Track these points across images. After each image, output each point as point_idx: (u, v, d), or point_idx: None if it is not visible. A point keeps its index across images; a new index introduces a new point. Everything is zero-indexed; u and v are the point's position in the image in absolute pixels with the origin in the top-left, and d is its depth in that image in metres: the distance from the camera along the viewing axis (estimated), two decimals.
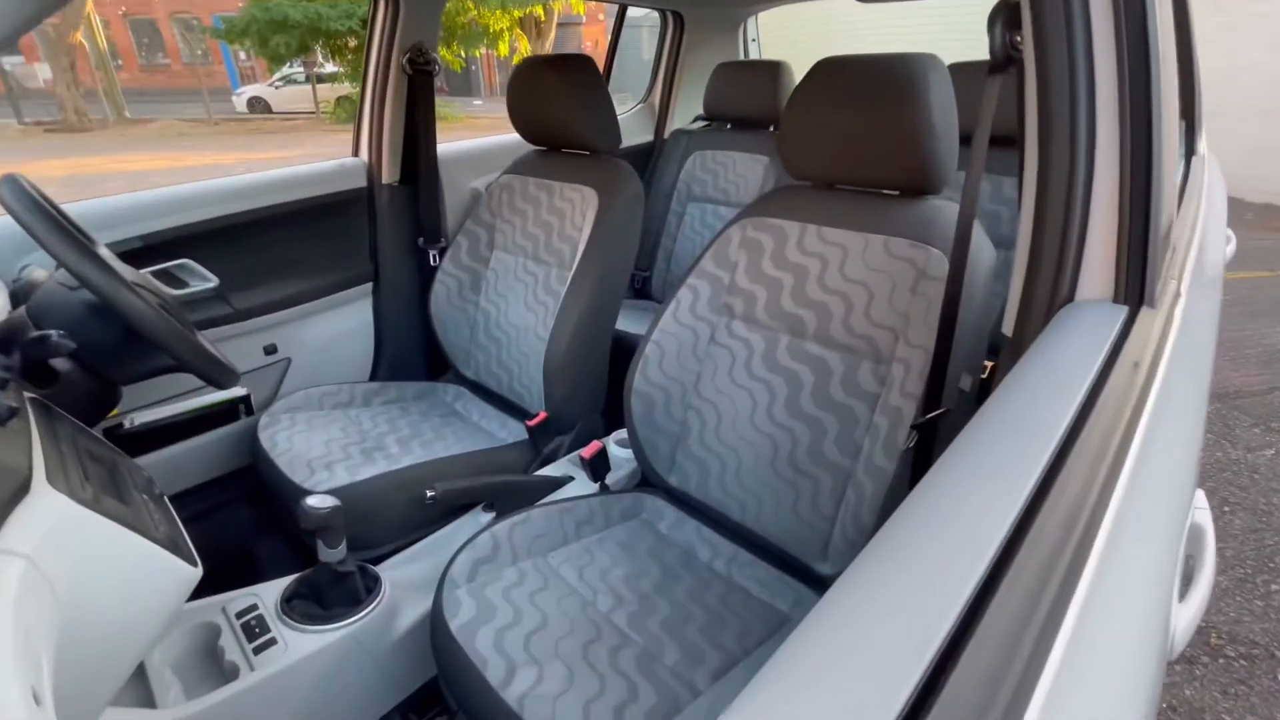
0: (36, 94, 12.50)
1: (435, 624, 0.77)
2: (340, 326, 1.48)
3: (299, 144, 9.69)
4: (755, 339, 1.00)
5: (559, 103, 1.26)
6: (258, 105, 13.48)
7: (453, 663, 0.73)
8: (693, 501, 1.05)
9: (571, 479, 1.16)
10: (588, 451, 1.11)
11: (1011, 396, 0.46)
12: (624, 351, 1.19)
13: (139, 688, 0.74)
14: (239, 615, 0.84)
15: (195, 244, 1.23)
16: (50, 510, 0.50)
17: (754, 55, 2.28)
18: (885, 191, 0.93)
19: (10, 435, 0.52)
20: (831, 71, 0.89)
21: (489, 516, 1.07)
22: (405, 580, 0.96)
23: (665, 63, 2.10)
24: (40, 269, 0.99)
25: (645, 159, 2.08)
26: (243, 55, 14.06)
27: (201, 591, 0.99)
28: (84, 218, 1.09)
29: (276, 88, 13.36)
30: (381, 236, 1.48)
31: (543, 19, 10.83)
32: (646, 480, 1.14)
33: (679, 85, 2.11)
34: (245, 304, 1.30)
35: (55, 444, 0.60)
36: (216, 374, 0.86)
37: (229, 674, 0.76)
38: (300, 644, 0.80)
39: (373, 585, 0.89)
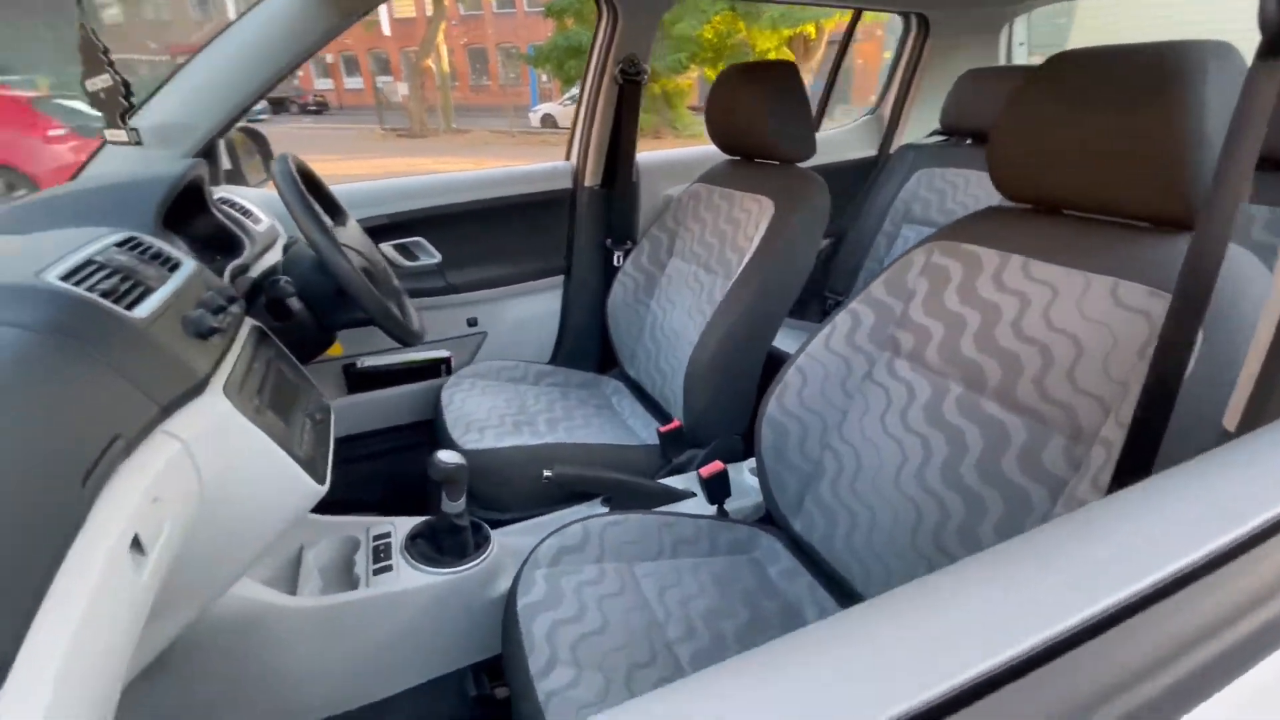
0: (396, 106, 16.21)
1: (509, 597, 0.81)
2: (532, 311, 1.63)
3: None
4: (920, 384, 0.85)
5: (752, 110, 1.23)
6: (548, 121, 15.68)
7: (510, 638, 0.75)
8: (814, 554, 0.94)
9: (693, 495, 1.12)
10: (707, 470, 1.06)
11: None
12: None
13: (290, 577, 0.91)
14: (375, 538, 0.97)
15: (428, 225, 1.47)
16: (215, 411, 0.63)
17: (1020, 60, 1.95)
18: (1128, 221, 0.72)
19: (207, 348, 0.67)
20: (1071, 66, 0.71)
21: (604, 510, 1.09)
22: (513, 548, 1.02)
23: (902, 71, 1.91)
24: None
25: (864, 174, 1.93)
26: (544, 78, 16.50)
27: (363, 511, 1.19)
28: (349, 196, 1.37)
29: (564, 105, 15.38)
30: (577, 234, 1.60)
31: (813, 37, 10.72)
32: (770, 517, 1.05)
33: (915, 95, 1.91)
34: (457, 280, 1.51)
35: (249, 362, 0.76)
36: (399, 332, 1.00)
37: (353, 584, 0.88)
38: (408, 577, 0.89)
39: (482, 543, 0.96)
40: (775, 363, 1.35)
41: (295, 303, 0.98)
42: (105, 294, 0.58)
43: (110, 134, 0.94)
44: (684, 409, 1.22)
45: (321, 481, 0.74)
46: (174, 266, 0.74)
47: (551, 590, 0.80)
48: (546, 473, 1.00)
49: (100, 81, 0.90)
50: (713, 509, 1.08)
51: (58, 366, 0.49)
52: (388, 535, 0.97)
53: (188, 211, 1.03)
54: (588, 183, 1.57)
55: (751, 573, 0.94)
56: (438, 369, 1.53)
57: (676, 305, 1.37)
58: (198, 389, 0.62)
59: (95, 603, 0.41)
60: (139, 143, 0.94)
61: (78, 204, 0.81)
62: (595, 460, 1.16)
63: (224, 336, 0.71)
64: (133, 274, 0.65)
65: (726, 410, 1.24)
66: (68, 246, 0.63)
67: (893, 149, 1.91)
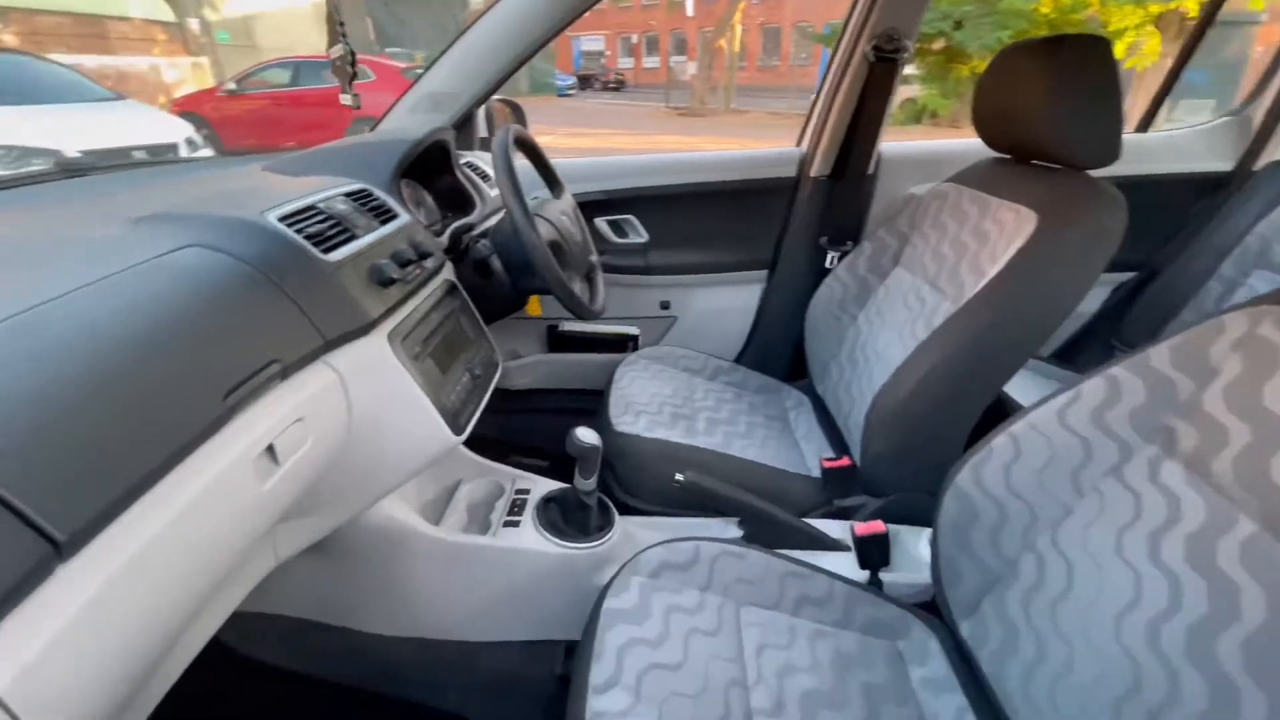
0: (684, 85, 16.96)
1: (600, 594, 0.78)
2: (728, 303, 1.57)
3: None
4: (1193, 502, 0.60)
5: (1034, 97, 0.96)
6: None
7: (586, 635, 0.73)
8: (978, 671, 0.74)
9: (846, 549, 0.97)
10: (864, 528, 0.90)
11: None
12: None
13: (441, 506, 1.01)
14: (517, 491, 1.03)
15: (642, 204, 1.49)
16: (374, 352, 0.71)
17: None
18: None
19: (384, 295, 0.75)
20: None
21: (738, 534, 1.00)
22: (636, 539, 1.00)
23: None
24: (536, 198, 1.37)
25: (1198, 194, 1.43)
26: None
27: (535, 456, 1.28)
28: (577, 170, 1.44)
29: None
30: (791, 227, 1.48)
31: (1191, 14, 8.33)
32: (933, 605, 0.86)
33: None
34: (658, 261, 1.51)
35: (427, 312, 0.83)
36: (572, 306, 1.03)
37: (485, 529, 0.95)
38: (529, 538, 0.93)
39: (605, 526, 0.96)
40: (1003, 413, 1.10)
41: (495, 263, 1.06)
42: (310, 237, 0.68)
43: (343, 99, 1.10)
44: (860, 447, 1.05)
45: (459, 433, 0.80)
46: (388, 219, 0.85)
47: (642, 604, 0.76)
48: (679, 476, 0.95)
49: (336, 51, 1.06)
50: (863, 574, 0.92)
51: (245, 292, 0.59)
52: (527, 492, 1.02)
53: (436, 169, 1.18)
54: (813, 172, 1.43)
55: (887, 665, 0.77)
56: (624, 344, 1.57)
57: (887, 323, 1.17)
58: (364, 330, 0.71)
59: (201, 502, 0.48)
60: (358, 108, 1.09)
61: (340, 156, 0.98)
62: (744, 477, 1.07)
63: (403, 287, 0.79)
64: (344, 221, 0.75)
65: (918, 459, 1.04)
66: (302, 191, 0.76)
67: (1258, 165, 1.38)
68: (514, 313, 1.19)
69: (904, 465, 1.03)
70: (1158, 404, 0.66)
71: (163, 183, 0.89)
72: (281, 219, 0.68)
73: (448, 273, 0.97)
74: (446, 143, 1.16)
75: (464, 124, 1.33)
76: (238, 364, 0.54)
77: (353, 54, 1.03)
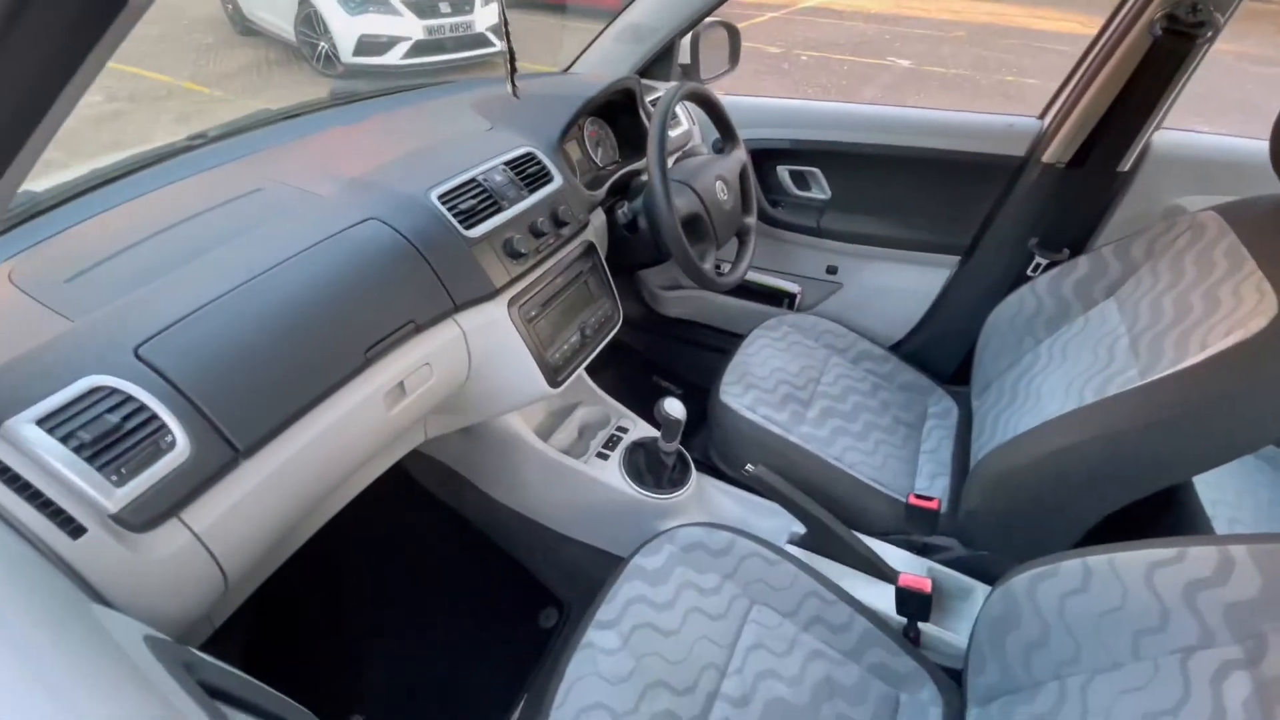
0: None
1: (636, 549, 0.91)
2: (901, 284, 1.43)
3: None
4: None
5: None
6: None
7: (611, 577, 0.88)
8: None
9: (894, 580, 0.96)
10: (908, 581, 0.89)
11: None
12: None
13: (557, 423, 1.20)
14: (617, 428, 1.17)
15: (829, 159, 1.37)
16: (494, 314, 0.86)
17: None
18: None
19: (513, 265, 0.88)
20: None
21: (797, 533, 1.04)
22: (708, 501, 1.10)
23: None
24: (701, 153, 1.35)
25: None
26: None
27: (673, 380, 1.40)
28: (763, 112, 1.38)
29: None
30: (1000, 216, 1.26)
31: None
32: (956, 674, 0.84)
33: None
34: (834, 223, 1.42)
35: (554, 276, 0.96)
36: (700, 281, 1.07)
37: (578, 454, 1.13)
38: (609, 474, 1.08)
39: (678, 482, 1.07)
40: (1178, 507, 0.93)
41: (641, 222, 1.13)
42: (461, 213, 0.83)
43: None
44: (959, 498, 0.99)
45: (556, 386, 0.94)
46: (542, 184, 0.96)
47: (664, 569, 0.88)
48: (749, 467, 1.00)
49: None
50: (900, 618, 0.92)
51: (400, 263, 0.76)
52: (625, 431, 1.17)
53: (622, 107, 1.23)
54: (1047, 157, 1.17)
55: (875, 710, 0.80)
56: (782, 300, 1.55)
57: (1068, 363, 1.00)
58: (489, 296, 0.86)
59: (341, 423, 0.69)
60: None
61: (531, 107, 1.09)
62: (827, 481, 1.08)
63: (533, 257, 0.91)
64: (496, 194, 0.88)
65: (1017, 531, 0.95)
66: (470, 162, 0.89)
67: None
68: (649, 266, 1.26)
69: (1002, 530, 0.95)
70: (1266, 607, 0.55)
71: (389, 122, 1.09)
72: (442, 196, 0.83)
73: (589, 233, 1.07)
74: (632, 91, 1.20)
75: (664, 54, 1.34)
76: (382, 323, 0.73)
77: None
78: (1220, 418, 0.75)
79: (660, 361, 1.71)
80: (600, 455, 1.11)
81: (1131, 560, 0.64)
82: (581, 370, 1.05)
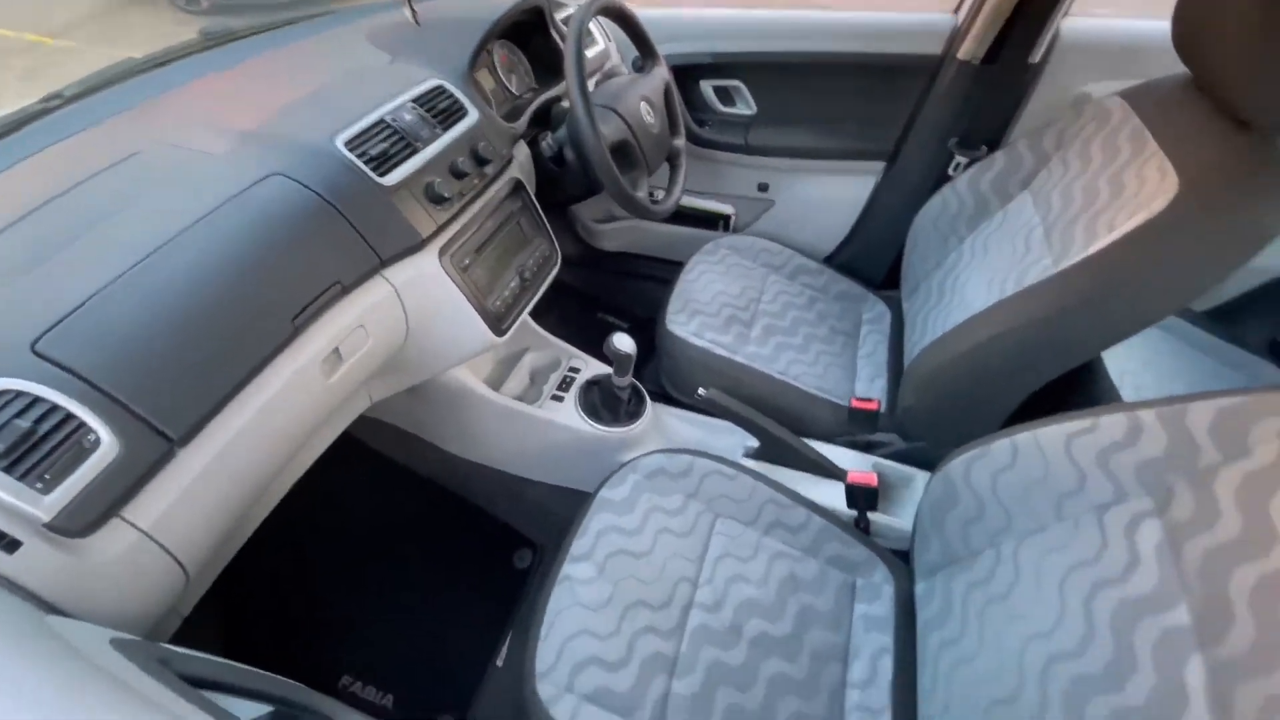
0: None
1: (601, 482, 0.94)
2: (831, 195, 1.45)
3: None
4: (1148, 572, 0.59)
5: (1251, 24, 0.71)
6: None
7: (580, 512, 0.90)
8: (913, 627, 0.83)
9: (844, 478, 1.02)
10: (855, 478, 0.95)
11: None
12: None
13: (506, 371, 1.19)
14: (569, 369, 1.18)
15: (751, 71, 1.34)
16: (425, 267, 0.83)
17: None
18: None
19: (438, 211, 0.84)
20: None
21: (751, 447, 1.09)
22: (666, 429, 1.13)
23: None
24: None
25: None
26: None
27: (616, 315, 1.40)
28: (680, 26, 1.32)
29: None
30: (920, 119, 1.28)
31: None
32: (904, 554, 0.92)
33: None
34: (762, 139, 1.40)
35: (483, 220, 0.92)
36: (635, 211, 1.05)
37: (532, 399, 1.12)
38: (566, 415, 1.09)
39: (635, 415, 1.09)
40: (1089, 382, 1.01)
41: (568, 154, 1.09)
42: (373, 159, 0.77)
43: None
44: (896, 395, 1.05)
45: (501, 334, 0.92)
46: (457, 120, 0.90)
47: (630, 499, 0.91)
48: (701, 391, 1.03)
49: None
50: (851, 511, 0.99)
51: (314, 220, 0.71)
52: (577, 371, 1.17)
53: (534, 29, 1.16)
54: (962, 54, 1.18)
55: (835, 596, 0.88)
56: (716, 222, 1.54)
57: (990, 259, 1.05)
58: (417, 247, 0.82)
59: (277, 398, 0.66)
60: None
61: (431, 35, 1.00)
62: (773, 395, 1.12)
63: (458, 201, 0.87)
64: (408, 135, 0.83)
65: (950, 422, 1.02)
66: (374, 101, 0.83)
67: None
68: (581, 200, 1.23)
69: (936, 422, 1.02)
70: (1171, 462, 0.61)
71: (279, 60, 0.98)
72: (349, 142, 0.77)
73: (515, 170, 1.02)
74: (541, 7, 1.12)
75: None
76: (304, 288, 0.69)
77: None
78: (1127, 296, 0.81)
79: (604, 297, 1.70)
80: (555, 398, 1.12)
81: (1052, 434, 0.70)
82: (525, 315, 1.03)
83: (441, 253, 0.85)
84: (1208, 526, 0.56)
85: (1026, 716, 0.61)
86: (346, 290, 0.74)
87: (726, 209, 1.52)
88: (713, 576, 0.85)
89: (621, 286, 1.69)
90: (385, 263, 0.78)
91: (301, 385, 0.70)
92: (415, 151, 0.82)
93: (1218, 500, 0.57)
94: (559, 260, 1.10)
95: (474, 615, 1.12)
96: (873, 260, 1.46)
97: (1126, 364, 1.12)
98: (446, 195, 0.83)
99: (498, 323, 0.92)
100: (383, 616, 1.10)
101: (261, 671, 0.49)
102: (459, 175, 0.86)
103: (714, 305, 1.25)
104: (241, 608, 1.06)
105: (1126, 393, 1.07)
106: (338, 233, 0.73)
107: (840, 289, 1.37)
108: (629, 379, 1.05)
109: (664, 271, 1.59)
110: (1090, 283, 0.82)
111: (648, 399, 1.12)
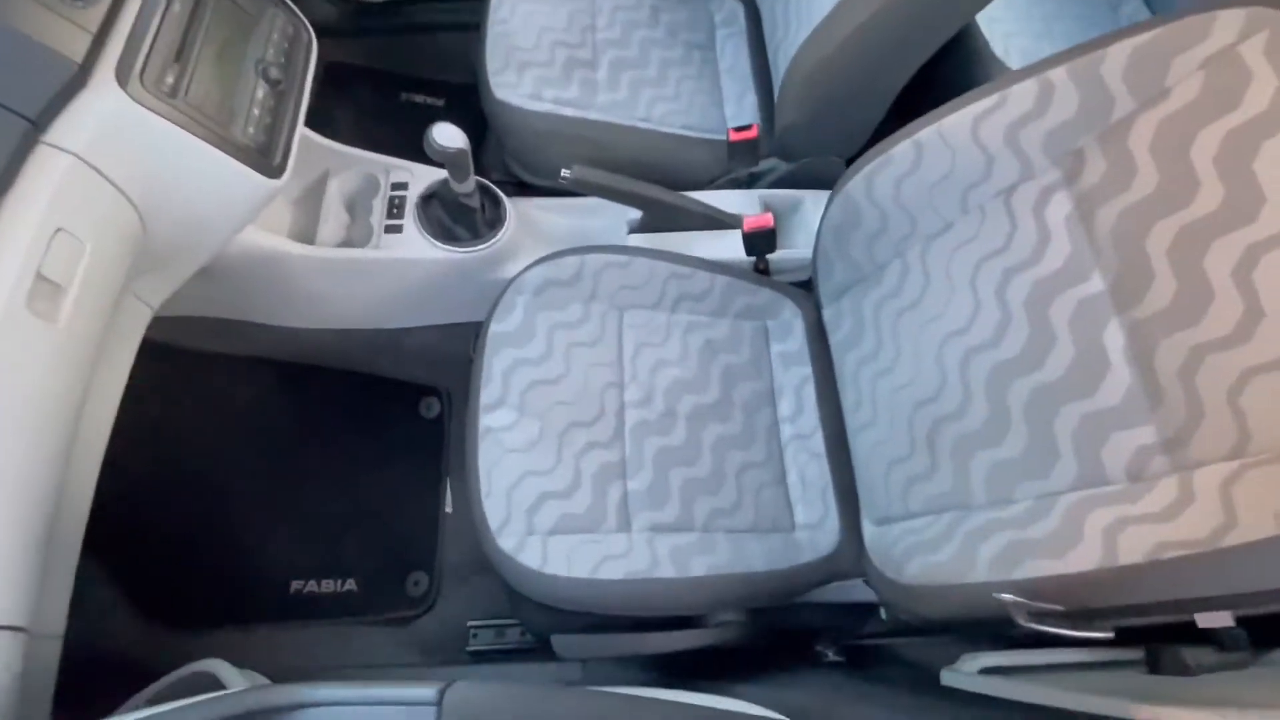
0: None
1: (485, 320, 0.80)
2: None
3: None
4: (1059, 248, 0.59)
5: None
6: None
7: (476, 357, 0.79)
8: (827, 349, 0.84)
9: (739, 226, 0.94)
10: (751, 223, 0.87)
11: None
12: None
13: (313, 208, 0.92)
14: (393, 186, 0.93)
15: None
16: (107, 108, 0.53)
17: None
18: None
19: (86, 12, 0.51)
20: None
21: (634, 219, 0.96)
22: (538, 226, 0.96)
23: None
24: None
25: None
26: None
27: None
28: None
29: None
30: None
31: None
32: (805, 284, 0.90)
33: None
34: None
35: (163, 9, 0.59)
36: None
37: (362, 239, 0.90)
38: (415, 246, 0.89)
39: (495, 223, 0.91)
40: (971, 56, 0.93)
41: None
42: None
43: None
44: (775, 110, 0.92)
45: (276, 174, 0.67)
46: None
47: (526, 325, 0.79)
48: (565, 173, 0.85)
49: None
50: (750, 258, 0.93)
51: None
52: (405, 187, 0.93)
53: None
54: None
55: (751, 345, 0.87)
56: None
57: None
58: (78, 82, 0.51)
59: None
60: None
61: None
62: (645, 150, 0.96)
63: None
64: None
65: (836, 125, 0.93)
66: None
67: None
68: None
69: (820, 131, 0.93)
70: (1083, 123, 0.57)
71: None
72: None
73: None
74: None
75: None
76: None
77: None
78: None
79: (396, 69, 1.32)
80: (391, 229, 0.90)
81: (958, 121, 0.63)
82: (299, 130, 0.75)
83: (123, 78, 0.54)
84: (1122, 187, 0.54)
85: (951, 408, 0.65)
86: (2, 186, 0.47)
87: None
88: (635, 372, 0.80)
89: (415, 46, 1.31)
90: (39, 123, 0.49)
91: (17, 342, 0.47)
92: None
93: (1133, 155, 0.54)
94: (312, 35, 0.78)
95: (404, 477, 1.05)
96: None
97: (1007, 26, 1.03)
98: None
99: (264, 158, 0.66)
100: (311, 515, 1.01)
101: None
102: None
103: (544, 50, 0.99)
104: (150, 575, 0.93)
105: (1014, 58, 1.00)
106: None
107: None
108: (472, 180, 0.85)
109: (463, 12, 1.22)
110: None
111: (504, 198, 0.93)
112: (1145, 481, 0.49)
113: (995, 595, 0.50)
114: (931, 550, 0.61)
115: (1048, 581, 0.48)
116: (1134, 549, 0.46)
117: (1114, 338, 0.53)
